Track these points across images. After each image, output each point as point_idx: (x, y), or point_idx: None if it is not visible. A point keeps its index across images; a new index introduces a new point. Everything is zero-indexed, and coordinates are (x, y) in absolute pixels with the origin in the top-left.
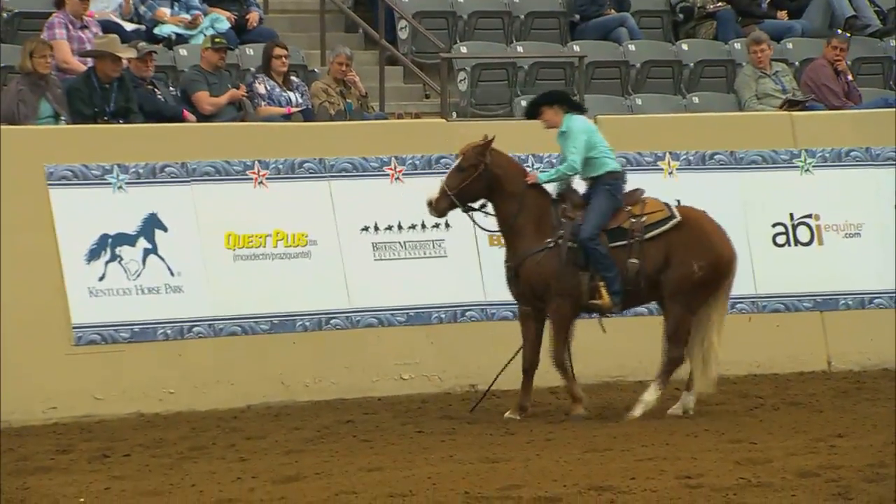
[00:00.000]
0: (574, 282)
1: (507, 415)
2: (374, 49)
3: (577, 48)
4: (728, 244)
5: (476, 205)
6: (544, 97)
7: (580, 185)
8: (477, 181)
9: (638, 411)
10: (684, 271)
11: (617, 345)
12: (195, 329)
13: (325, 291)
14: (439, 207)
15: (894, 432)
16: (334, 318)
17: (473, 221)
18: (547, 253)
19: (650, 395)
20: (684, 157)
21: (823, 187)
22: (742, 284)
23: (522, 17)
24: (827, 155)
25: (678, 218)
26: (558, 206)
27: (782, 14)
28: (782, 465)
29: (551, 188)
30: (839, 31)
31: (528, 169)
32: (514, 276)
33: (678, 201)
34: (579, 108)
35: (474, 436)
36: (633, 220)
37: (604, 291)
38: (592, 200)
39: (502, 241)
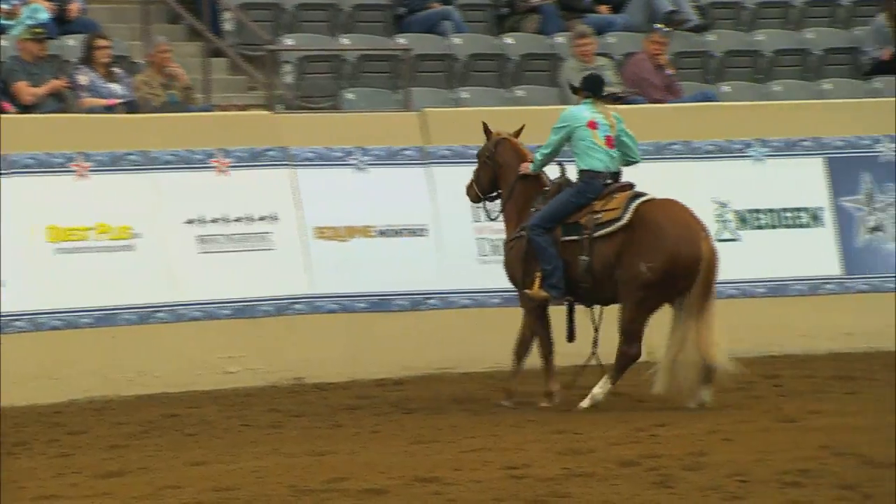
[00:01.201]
0: (533, 272)
1: (540, 404)
2: (199, 41)
3: (402, 41)
4: (688, 243)
5: (495, 194)
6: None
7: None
8: (483, 171)
9: (586, 403)
10: (632, 272)
11: (445, 336)
12: (16, 323)
13: (150, 285)
14: (469, 195)
15: (713, 421)
16: (159, 311)
17: (485, 210)
18: (515, 243)
19: (599, 389)
20: None
21: (644, 179)
22: None
23: (348, 9)
24: (649, 148)
25: (623, 221)
26: (543, 197)
27: (604, 9)
28: (605, 455)
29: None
30: (659, 26)
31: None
32: None
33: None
34: (597, 96)
35: (300, 429)
36: (589, 217)
37: (537, 281)
38: (559, 193)
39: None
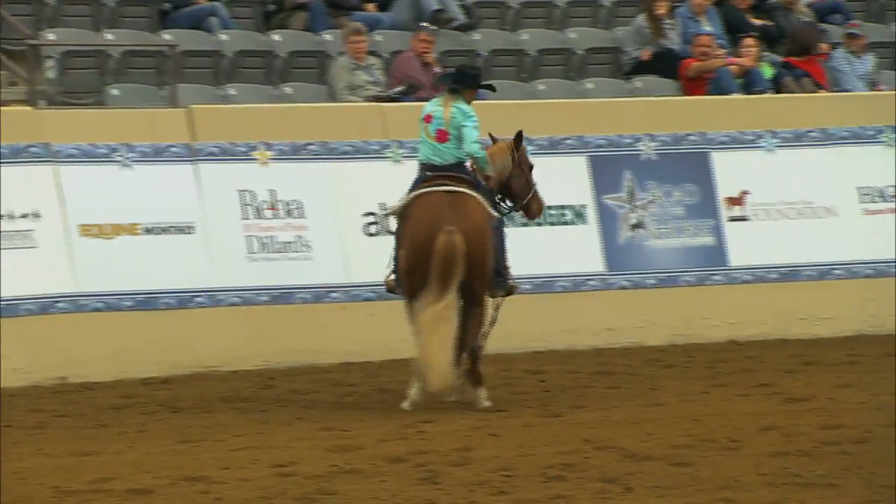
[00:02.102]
0: None
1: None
2: None
3: (168, 37)
4: (424, 235)
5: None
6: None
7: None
8: None
9: (406, 405)
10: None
11: (213, 335)
12: None
13: None
14: None
15: (479, 417)
16: None
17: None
18: None
19: (413, 390)
20: (278, 147)
21: (413, 177)
22: (335, 273)
23: (112, 3)
24: (416, 146)
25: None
26: None
27: (371, 7)
28: (373, 452)
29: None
30: (426, 25)
31: None
32: None
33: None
34: (451, 89)
35: (64, 429)
36: None
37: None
38: None
39: None
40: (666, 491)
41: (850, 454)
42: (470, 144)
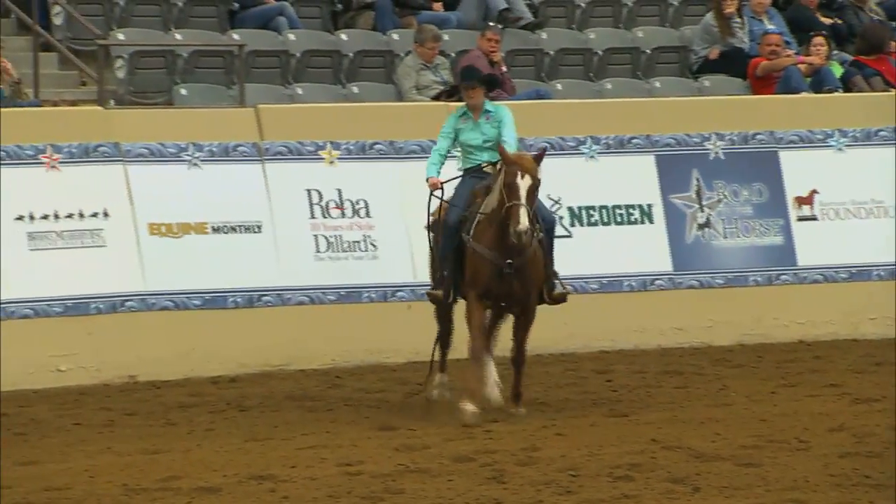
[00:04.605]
0: None
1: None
2: (28, 35)
3: (236, 37)
4: None
5: None
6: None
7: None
8: None
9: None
10: None
11: (281, 333)
12: None
13: None
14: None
15: (546, 417)
16: None
17: None
18: None
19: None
20: (345, 146)
21: None
22: (402, 272)
23: (181, 4)
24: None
25: None
26: None
27: (438, 6)
28: (439, 451)
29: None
30: (493, 24)
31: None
32: None
33: None
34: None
35: (133, 427)
36: None
37: None
38: None
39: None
40: (734, 491)
41: None
42: None
